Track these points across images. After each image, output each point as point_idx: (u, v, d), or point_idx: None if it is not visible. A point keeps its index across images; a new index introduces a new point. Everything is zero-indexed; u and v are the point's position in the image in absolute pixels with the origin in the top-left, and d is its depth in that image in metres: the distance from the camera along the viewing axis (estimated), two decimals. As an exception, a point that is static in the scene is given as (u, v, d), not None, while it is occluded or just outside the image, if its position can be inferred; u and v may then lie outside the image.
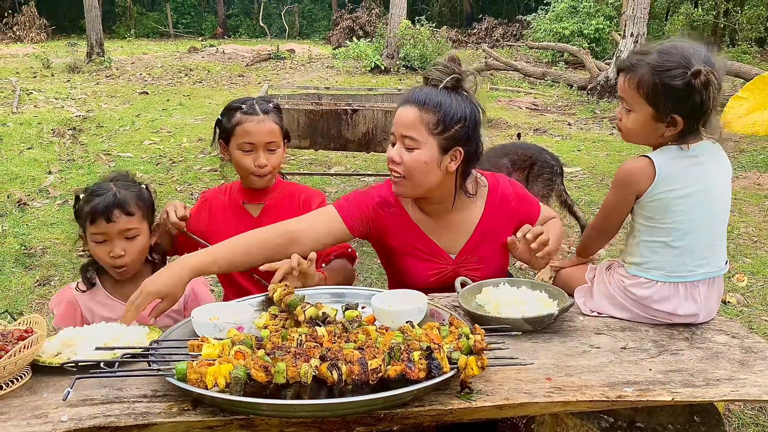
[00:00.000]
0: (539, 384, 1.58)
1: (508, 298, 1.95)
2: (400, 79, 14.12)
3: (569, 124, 10.07)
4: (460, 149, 2.09)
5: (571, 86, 12.90)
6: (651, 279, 1.91)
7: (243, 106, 2.31)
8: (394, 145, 2.13)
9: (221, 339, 1.65)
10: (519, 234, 2.13)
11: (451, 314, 1.81)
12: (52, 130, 9.01)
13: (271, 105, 2.35)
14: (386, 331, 1.68)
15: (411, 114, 2.06)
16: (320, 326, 1.72)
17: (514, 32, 21.33)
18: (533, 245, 2.09)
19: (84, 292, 2.20)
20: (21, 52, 18.62)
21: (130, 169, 7.16)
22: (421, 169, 2.06)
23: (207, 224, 2.41)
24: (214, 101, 11.45)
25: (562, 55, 15.90)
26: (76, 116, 9.94)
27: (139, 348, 1.66)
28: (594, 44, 16.43)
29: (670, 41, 1.84)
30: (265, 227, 2.13)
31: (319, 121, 4.70)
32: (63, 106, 10.81)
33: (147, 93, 12.30)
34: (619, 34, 12.37)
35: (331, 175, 6.96)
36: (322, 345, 1.60)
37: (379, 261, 2.62)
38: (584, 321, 1.96)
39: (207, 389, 1.44)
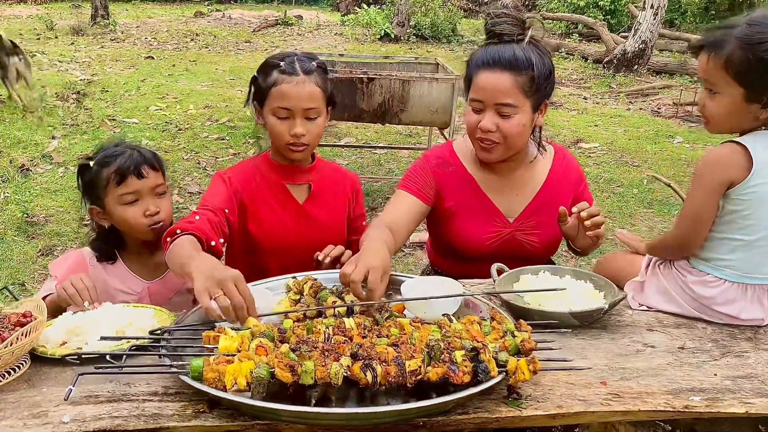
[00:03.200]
0: (594, 389, 1.42)
1: (545, 290, 1.78)
2: (411, 48, 13.80)
3: (585, 98, 9.82)
4: (547, 102, 2.04)
5: (586, 59, 12.59)
6: (720, 278, 1.72)
7: (281, 64, 1.98)
8: (478, 112, 2.01)
9: (238, 329, 1.49)
10: (575, 209, 1.97)
11: (493, 308, 1.64)
12: (56, 93, 8.79)
13: (314, 64, 2.02)
14: (421, 325, 1.52)
15: (504, 80, 1.94)
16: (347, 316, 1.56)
17: (528, 3, 20.87)
18: (587, 223, 1.93)
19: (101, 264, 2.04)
20: (24, 13, 18.25)
21: (136, 135, 7.03)
22: (519, 133, 2.00)
23: (251, 201, 2.07)
24: (221, 67, 11.19)
25: (577, 27, 15.52)
26: (81, 80, 9.70)
27: (149, 338, 1.50)
28: (609, 16, 16.01)
29: (760, 11, 1.63)
30: (374, 225, 1.97)
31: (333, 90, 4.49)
32: (67, 70, 10.57)
33: (152, 58, 12.02)
34: (636, 6, 12.03)
35: (341, 146, 6.77)
36: (351, 340, 1.44)
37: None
38: (633, 315, 1.79)
39: (225, 390, 1.28)
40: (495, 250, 2.14)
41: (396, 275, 1.91)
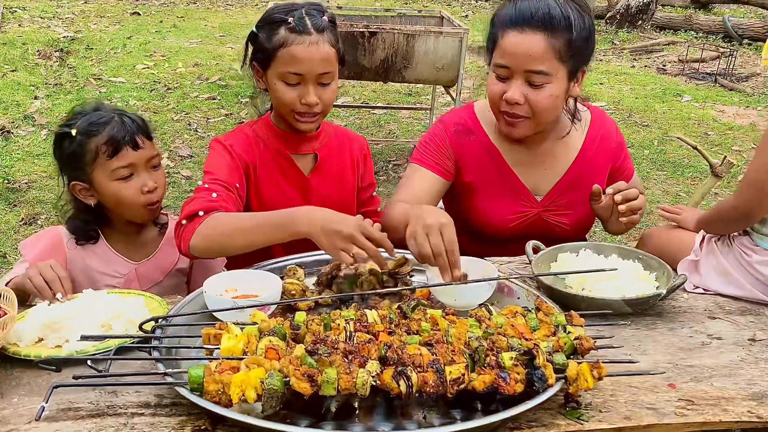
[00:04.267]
0: (662, 393, 1.21)
1: (594, 270, 1.57)
2: (406, 3, 13.35)
3: (588, 55, 9.50)
4: (585, 68, 1.78)
5: (588, 14, 12.20)
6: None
7: (289, 20, 1.69)
8: (503, 80, 1.74)
9: (242, 324, 1.27)
10: (609, 189, 1.74)
11: (538, 297, 1.42)
12: (37, 51, 8.40)
13: (325, 18, 1.74)
14: (456, 318, 1.30)
15: (536, 42, 1.68)
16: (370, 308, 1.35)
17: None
18: (621, 207, 1.71)
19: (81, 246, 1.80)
20: (4, -33, 17.57)
21: (123, 95, 6.71)
22: (551, 106, 1.74)
23: (253, 173, 1.82)
24: (210, 23, 10.75)
25: (577, -19, 15.05)
26: (64, 37, 9.28)
27: (138, 337, 1.28)
28: (610, -30, 15.53)
29: None
30: (396, 205, 1.75)
31: (332, 46, 4.20)
32: (49, 26, 10.12)
33: (139, 14, 11.54)
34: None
35: (339, 106, 6.45)
36: (376, 337, 1.23)
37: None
38: (689, 300, 1.59)
39: (231, 404, 1.07)
40: (519, 232, 1.92)
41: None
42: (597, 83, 7.86)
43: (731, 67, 8.06)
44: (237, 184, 1.72)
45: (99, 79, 7.28)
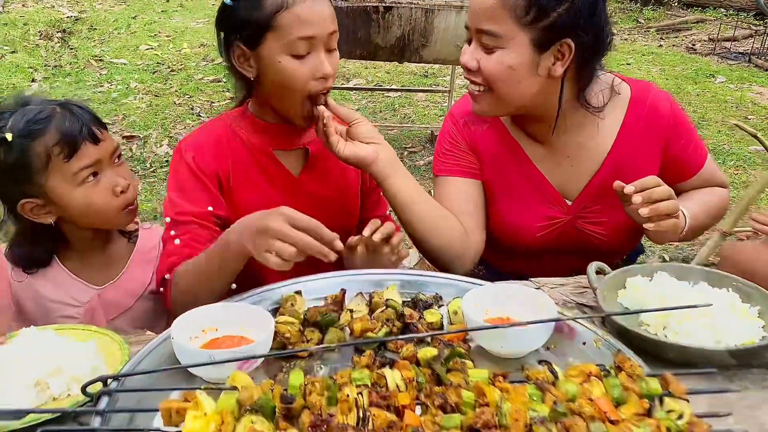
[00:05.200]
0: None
1: (678, 303, 1.21)
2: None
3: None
4: (569, 42, 1.36)
5: (611, -9, 11.70)
6: None
7: None
8: (468, 42, 1.43)
9: (218, 386, 0.93)
10: (630, 187, 1.35)
11: (619, 351, 1.06)
12: (39, 32, 8.10)
13: None
14: (510, 385, 0.95)
15: None
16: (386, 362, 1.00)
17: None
18: (643, 211, 1.33)
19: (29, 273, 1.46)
20: (10, -54, 17.23)
21: (125, 77, 6.38)
22: (507, 77, 1.39)
23: (233, 175, 1.51)
24: (218, 2, 10.38)
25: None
26: (68, 17, 8.97)
27: (69, 412, 0.94)
28: (634, -55, 14.93)
29: None
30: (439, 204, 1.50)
31: (342, 22, 3.81)
32: (53, 6, 9.80)
33: (145, -8, 11.19)
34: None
35: (350, 89, 6.09)
36: (400, 414, 0.88)
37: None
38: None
39: None
40: (550, 243, 1.59)
41: (448, 278, 1.35)
42: (624, 63, 7.42)
43: (766, 46, 7.59)
44: (210, 207, 1.42)
45: (100, 60, 6.98)
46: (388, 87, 6.15)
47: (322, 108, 1.40)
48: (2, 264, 1.43)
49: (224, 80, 6.30)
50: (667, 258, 3.26)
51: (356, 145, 1.43)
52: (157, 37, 8.05)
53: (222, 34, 1.44)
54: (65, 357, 1.09)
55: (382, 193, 1.54)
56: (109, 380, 0.98)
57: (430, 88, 6.03)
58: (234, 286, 1.43)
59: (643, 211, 1.33)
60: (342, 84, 6.23)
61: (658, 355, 1.11)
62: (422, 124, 5.21)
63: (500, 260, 1.74)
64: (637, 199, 1.32)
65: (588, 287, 1.40)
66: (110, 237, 1.49)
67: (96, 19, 8.88)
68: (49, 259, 1.45)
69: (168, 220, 1.42)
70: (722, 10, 10.14)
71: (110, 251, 1.50)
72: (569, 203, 1.59)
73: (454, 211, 1.54)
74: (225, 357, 1.02)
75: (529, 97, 1.44)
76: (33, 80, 6.24)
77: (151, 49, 7.50)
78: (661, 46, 8.51)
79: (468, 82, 1.47)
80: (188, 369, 1.05)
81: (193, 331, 1.15)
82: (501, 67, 1.38)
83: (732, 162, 4.59)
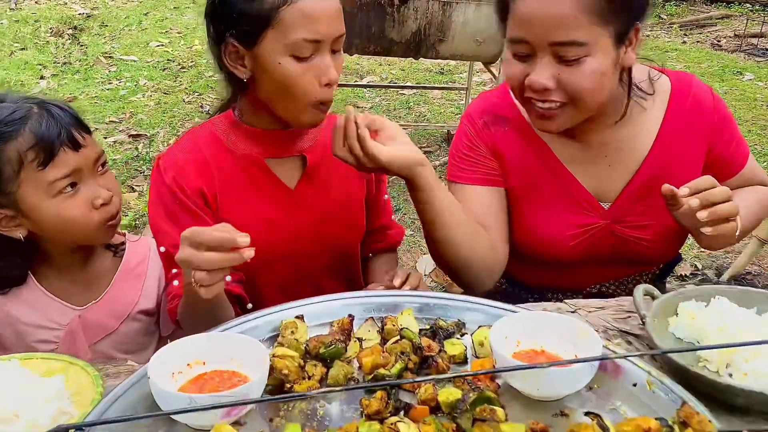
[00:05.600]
0: None
1: (744, 337, 1.03)
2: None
3: (634, 31, 8.83)
4: (639, 24, 1.25)
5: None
6: None
7: None
8: (522, 58, 1.24)
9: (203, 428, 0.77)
10: (684, 189, 1.19)
11: (684, 403, 0.88)
12: (50, 28, 8.02)
13: None
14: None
15: (560, 1, 1.18)
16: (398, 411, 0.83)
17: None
18: (701, 214, 1.17)
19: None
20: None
21: (133, 74, 6.26)
22: (598, 84, 1.22)
23: (220, 191, 1.35)
24: (232, -1, 10.27)
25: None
26: (80, 14, 8.90)
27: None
28: (654, -60, 14.67)
29: None
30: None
31: (356, 16, 3.65)
32: (66, 3, 9.74)
33: (158, -11, 11.11)
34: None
35: (364, 86, 5.92)
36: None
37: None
38: None
39: None
40: (581, 252, 1.43)
41: (472, 302, 1.18)
42: (646, 61, 7.20)
43: (795, 42, 7.35)
44: None
45: (110, 57, 6.88)
46: (402, 84, 5.98)
47: (350, 109, 1.20)
48: None
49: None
50: (699, 266, 3.07)
51: (396, 146, 1.22)
52: (168, 34, 7.94)
53: (212, 27, 1.27)
54: (25, 397, 0.93)
55: (414, 204, 1.32)
56: (70, 431, 0.82)
57: (446, 86, 5.86)
58: (250, 305, 1.33)
59: (702, 215, 1.16)
60: (355, 81, 6.07)
61: (727, 399, 0.94)
62: (438, 123, 5.03)
63: (526, 273, 1.58)
64: (694, 202, 1.17)
65: (631, 311, 1.23)
66: (93, 251, 1.33)
67: (107, 16, 8.80)
68: (23, 276, 1.30)
69: (162, 250, 1.28)
70: (748, 5, 9.87)
71: (93, 267, 1.34)
72: (606, 207, 1.44)
73: (491, 213, 1.40)
74: (209, 403, 0.86)
75: (606, 97, 1.29)
76: (41, 77, 6.14)
77: (162, 45, 7.40)
78: (684, 42, 8.28)
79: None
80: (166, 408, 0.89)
81: (176, 366, 0.99)
82: (593, 77, 1.22)
83: (765, 163, 4.37)
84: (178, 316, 1.24)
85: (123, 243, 1.39)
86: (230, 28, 1.23)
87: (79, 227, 1.23)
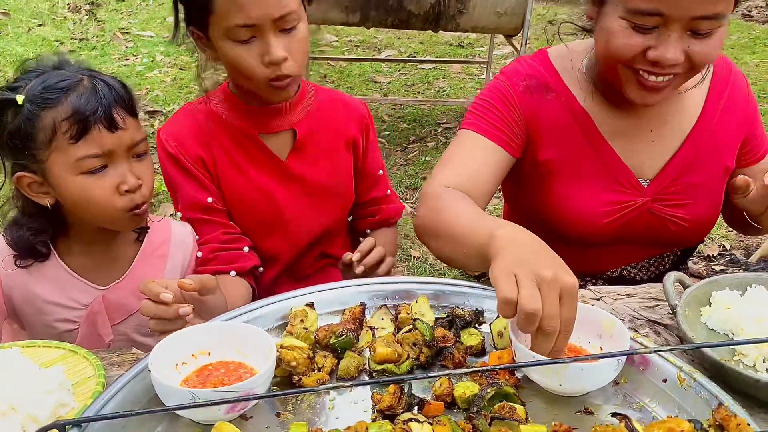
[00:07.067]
0: None
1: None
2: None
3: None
4: None
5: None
6: None
7: None
8: (644, 30, 1.17)
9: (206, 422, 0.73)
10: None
11: (721, 404, 0.82)
12: (67, 4, 7.99)
13: None
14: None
15: None
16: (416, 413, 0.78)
17: None
18: None
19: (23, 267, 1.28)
20: None
21: (150, 50, 6.21)
22: (717, 54, 1.22)
23: (219, 161, 1.41)
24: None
25: None
26: (97, -11, 8.85)
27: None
28: None
29: None
30: (448, 200, 1.22)
31: (373, -11, 3.56)
32: (83, -22, 9.71)
33: (176, -38, 11.04)
34: None
35: (382, 60, 5.81)
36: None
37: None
38: None
39: None
40: (617, 231, 1.38)
41: (492, 289, 1.12)
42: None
43: (830, 12, 7.07)
44: (209, 199, 1.39)
45: (127, 32, 6.82)
46: (421, 58, 5.85)
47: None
48: None
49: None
50: (728, 246, 2.97)
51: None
52: (186, 8, 7.88)
53: (179, 14, 1.33)
54: (23, 390, 0.90)
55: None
56: (68, 426, 0.78)
57: (466, 59, 5.72)
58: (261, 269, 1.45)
59: None
60: (373, 55, 5.97)
61: (759, 397, 0.88)
62: (458, 98, 4.92)
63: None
64: None
65: (660, 299, 1.17)
66: (117, 231, 1.30)
67: (125, -10, 8.75)
68: (47, 252, 1.26)
69: (180, 215, 1.39)
70: (779, -27, 9.54)
71: (116, 246, 1.31)
72: (645, 184, 1.39)
73: (466, 173, 1.30)
74: (212, 398, 0.82)
75: None
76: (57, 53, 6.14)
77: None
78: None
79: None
80: (167, 402, 0.85)
81: (180, 357, 0.95)
82: (718, 48, 1.20)
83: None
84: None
85: (146, 227, 1.35)
86: (189, 14, 1.29)
87: (100, 209, 1.19)
